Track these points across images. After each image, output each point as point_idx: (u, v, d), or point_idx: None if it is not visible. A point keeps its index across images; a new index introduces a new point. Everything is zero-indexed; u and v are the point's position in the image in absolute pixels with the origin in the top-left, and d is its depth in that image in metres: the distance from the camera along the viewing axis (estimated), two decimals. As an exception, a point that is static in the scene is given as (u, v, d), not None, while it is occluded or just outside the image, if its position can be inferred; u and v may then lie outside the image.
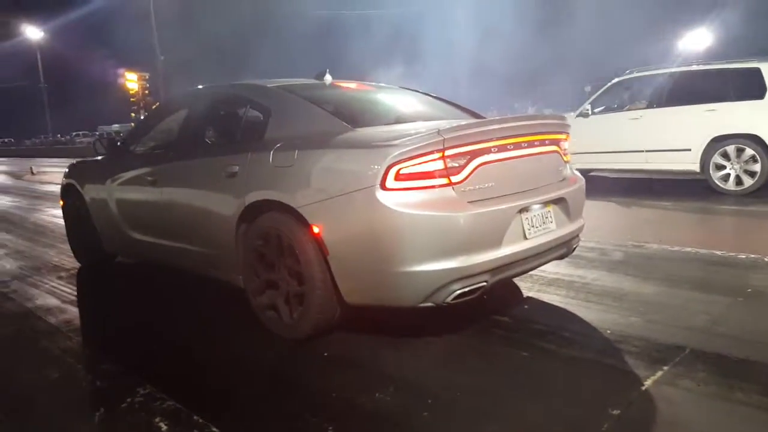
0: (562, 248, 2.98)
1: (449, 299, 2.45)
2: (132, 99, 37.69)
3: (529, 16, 26.04)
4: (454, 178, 2.44)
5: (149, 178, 3.64)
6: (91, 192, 4.39)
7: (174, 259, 3.69)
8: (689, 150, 6.92)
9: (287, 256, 2.71)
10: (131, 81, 36.55)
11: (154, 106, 4.79)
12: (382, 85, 3.87)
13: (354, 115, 3.08)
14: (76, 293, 3.96)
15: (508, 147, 2.64)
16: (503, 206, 2.54)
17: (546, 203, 2.79)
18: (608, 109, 7.99)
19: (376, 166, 2.38)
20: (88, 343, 3.05)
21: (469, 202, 2.45)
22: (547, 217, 2.79)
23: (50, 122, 53.45)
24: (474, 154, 2.50)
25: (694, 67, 7.33)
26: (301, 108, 2.98)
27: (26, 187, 13.24)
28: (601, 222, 5.15)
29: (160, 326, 3.24)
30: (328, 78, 3.49)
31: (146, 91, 37.15)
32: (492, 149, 2.56)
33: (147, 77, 36.95)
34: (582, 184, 3.12)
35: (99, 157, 4.42)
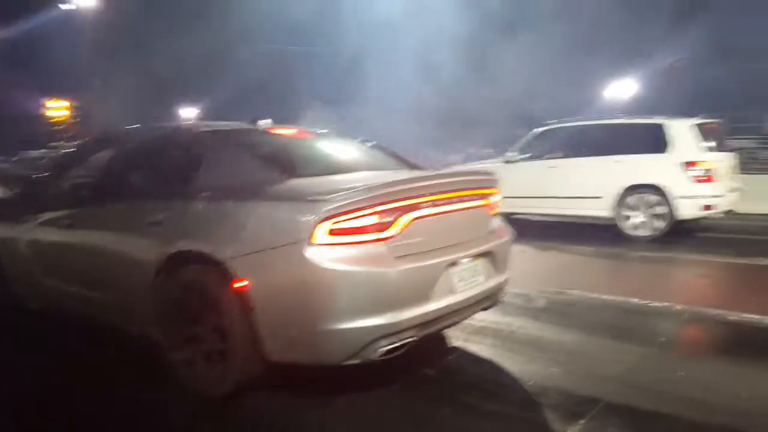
0: (489, 300, 3.06)
1: (376, 356, 2.44)
2: (57, 127, 35.77)
3: (469, 61, 27.29)
4: (385, 234, 2.47)
5: (66, 221, 3.43)
6: (1, 234, 4.07)
7: (88, 309, 3.46)
8: (601, 198, 7.42)
9: (210, 309, 2.61)
10: (55, 109, 34.69)
11: (77, 143, 4.57)
12: (321, 131, 3.88)
13: (286, 164, 3.06)
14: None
15: (439, 202, 2.70)
16: (433, 261, 2.59)
17: (474, 257, 2.86)
18: (531, 157, 8.41)
19: (306, 221, 2.36)
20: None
21: (398, 257, 2.48)
22: (475, 271, 2.87)
23: (-38, 146, 49.62)
24: (405, 210, 2.53)
25: (605, 121, 7.97)
26: (232, 155, 2.93)
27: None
28: (525, 267, 5.34)
29: (65, 389, 3.00)
30: (263, 123, 3.45)
31: (74, 120, 35.41)
32: (423, 204, 2.61)
33: (75, 105, 35.30)
34: (509, 237, 3.24)
35: (10, 195, 4.13)
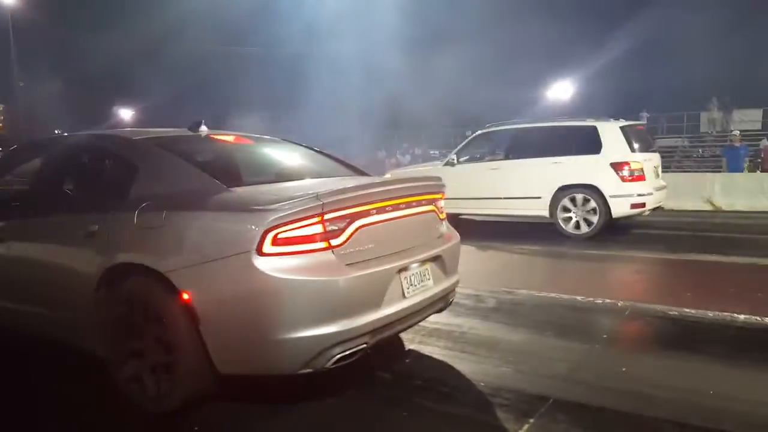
0: (440, 303, 3.08)
1: (329, 364, 2.41)
2: (-18, 133, 33.59)
3: (415, 61, 27.60)
4: (334, 242, 2.44)
5: (-6, 234, 3.21)
6: None
7: (23, 325, 3.27)
8: (540, 198, 7.75)
9: (153, 323, 2.51)
10: (-21, 114, 32.54)
11: (5, 150, 4.31)
12: (263, 137, 3.81)
13: (230, 172, 2.99)
14: None
15: (387, 209, 2.70)
16: (382, 267, 2.58)
17: (423, 261, 2.88)
18: (472, 159, 8.72)
19: (252, 231, 2.30)
20: None
21: (348, 264, 2.46)
22: (424, 275, 2.88)
23: None
24: (353, 217, 2.52)
25: (542, 124, 8.32)
26: (171, 164, 2.82)
27: None
28: (472, 267, 5.44)
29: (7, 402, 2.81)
30: (203, 129, 3.34)
31: (0, 125, 33.35)
32: (371, 212, 2.60)
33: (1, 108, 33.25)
34: (457, 241, 3.28)
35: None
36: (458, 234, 3.36)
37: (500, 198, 7.96)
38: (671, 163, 20.93)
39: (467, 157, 8.70)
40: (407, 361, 3.23)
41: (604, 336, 3.56)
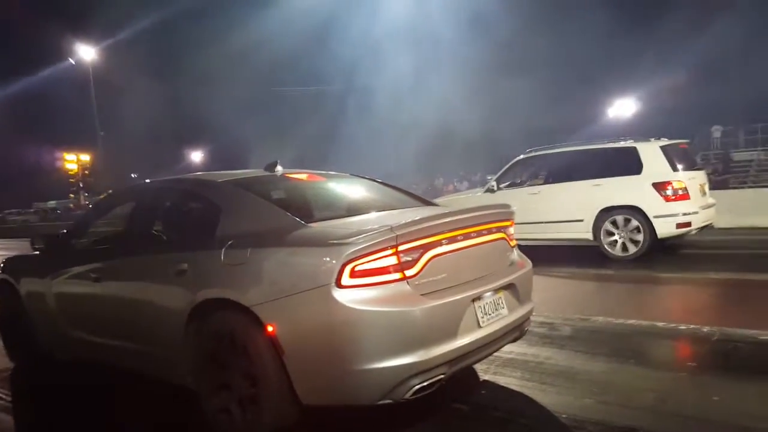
0: (515, 332, 3.04)
1: (408, 395, 2.44)
2: (71, 179, 36.64)
3: (472, 86, 27.73)
4: (408, 272, 2.49)
5: (93, 275, 3.50)
6: (27, 288, 4.15)
7: (119, 359, 3.50)
8: (582, 220, 7.66)
9: (240, 356, 2.63)
10: (70, 162, 35.65)
11: (101, 196, 4.69)
12: (333, 173, 3.97)
13: (306, 209, 3.13)
14: (11, 398, 3.68)
15: (458, 238, 2.74)
16: (457, 297, 2.60)
17: (497, 290, 2.87)
18: (512, 185, 8.76)
19: (330, 265, 2.40)
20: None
21: (423, 294, 2.50)
22: (499, 304, 2.87)
23: (-19, 201, 50.79)
24: (426, 248, 2.57)
25: (582, 147, 8.25)
26: (252, 204, 3.00)
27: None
28: (540, 294, 5.33)
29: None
30: (279, 169, 3.54)
31: (86, 171, 36.28)
32: (443, 241, 2.64)
33: (87, 159, 36.28)
34: (529, 268, 3.25)
35: (37, 252, 4.22)
36: (530, 261, 3.33)
37: (542, 222, 7.90)
38: (747, 178, 19.68)
39: (507, 183, 8.78)
40: (483, 392, 3.19)
41: (692, 364, 3.38)
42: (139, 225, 3.60)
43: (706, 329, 3.97)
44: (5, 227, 36.92)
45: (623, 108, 28.92)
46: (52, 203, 50.73)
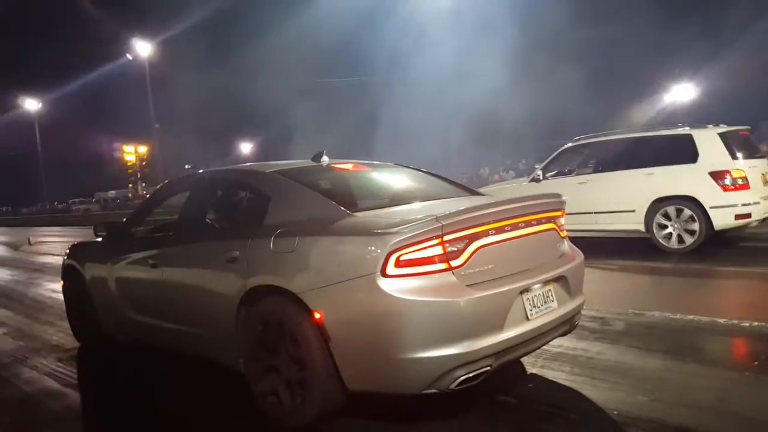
0: (565, 326, 2.97)
1: (453, 385, 2.43)
2: (129, 170, 38.44)
3: (522, 72, 27.09)
4: (454, 263, 2.47)
5: (150, 261, 3.66)
6: (91, 273, 4.39)
7: (173, 342, 3.65)
8: (633, 211, 7.30)
9: (288, 341, 2.69)
10: (129, 153, 37.37)
11: (157, 186, 4.89)
12: (376, 163, 3.98)
13: (351, 198, 3.16)
14: (77, 376, 3.90)
15: (506, 228, 2.69)
16: (504, 288, 2.56)
17: (546, 282, 2.81)
18: (559, 174, 8.43)
19: (376, 254, 2.41)
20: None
21: (469, 285, 2.47)
22: (548, 296, 2.80)
23: (46, 190, 54.14)
24: (472, 238, 2.54)
25: (634, 134, 7.86)
26: (299, 194, 3.04)
27: (24, 259, 13.18)
28: (592, 287, 5.17)
29: (161, 412, 3.16)
30: (325, 159, 3.58)
31: (143, 162, 37.94)
32: (490, 231, 2.61)
33: (144, 150, 37.96)
34: (581, 260, 3.15)
35: (99, 239, 4.44)
36: (582, 253, 3.23)
37: (591, 213, 7.60)
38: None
39: (554, 172, 8.48)
40: (530, 385, 3.13)
41: (756, 363, 3.20)
42: (193, 214, 3.73)
43: (771, 327, 3.75)
44: (70, 216, 39.17)
45: (681, 93, 27.55)
46: (112, 193, 53.37)
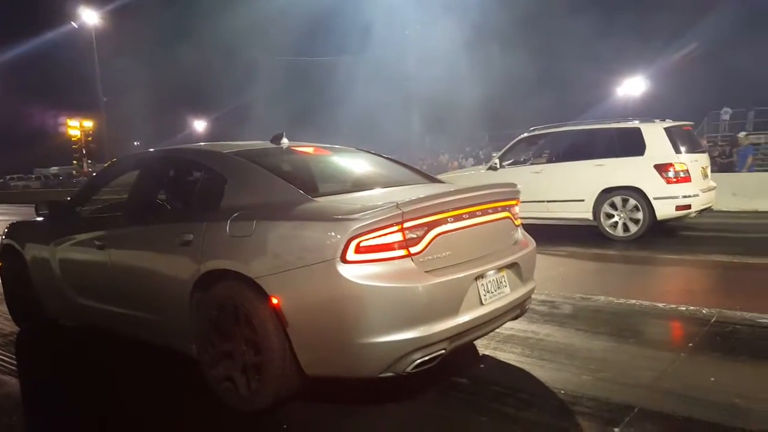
0: (516, 310, 3.07)
1: (409, 368, 2.48)
2: (74, 146, 36.58)
3: (478, 62, 27.38)
4: (413, 249, 2.51)
5: (97, 242, 3.52)
6: (32, 254, 4.19)
7: (123, 326, 3.55)
8: (583, 200, 7.69)
9: (244, 325, 2.67)
10: (73, 128, 35.51)
11: (106, 164, 4.68)
12: (337, 147, 3.94)
13: (311, 182, 3.13)
14: (16, 363, 3.74)
15: (464, 216, 2.74)
16: (460, 275, 2.61)
17: (500, 268, 2.89)
18: (515, 163, 8.80)
19: (336, 240, 2.41)
20: (30, 421, 2.85)
21: (427, 272, 2.51)
22: (501, 282, 2.89)
23: (-19, 165, 50.94)
24: (431, 225, 2.57)
25: (585, 126, 8.22)
26: (258, 176, 2.99)
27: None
28: (543, 273, 5.36)
29: (106, 400, 3.08)
30: (284, 142, 3.52)
31: (89, 137, 36.18)
32: (448, 219, 2.65)
33: (90, 125, 36.15)
34: (533, 248, 3.25)
35: (41, 218, 4.23)
36: (534, 240, 3.34)
37: (543, 201, 7.92)
38: (755, 160, 19.48)
39: (511, 161, 8.80)
40: (482, 366, 3.23)
41: (690, 344, 3.41)
42: (144, 194, 3.60)
43: (705, 311, 4.00)
44: (6, 192, 37.02)
45: (632, 87, 28.53)
46: (54, 169, 50.69)
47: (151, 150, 3.99)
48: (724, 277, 5.52)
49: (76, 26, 33.59)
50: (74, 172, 42.05)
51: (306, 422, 2.65)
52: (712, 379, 2.90)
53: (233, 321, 2.71)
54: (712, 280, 5.44)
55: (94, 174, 5.54)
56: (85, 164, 37.24)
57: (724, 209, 9.26)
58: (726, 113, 22.08)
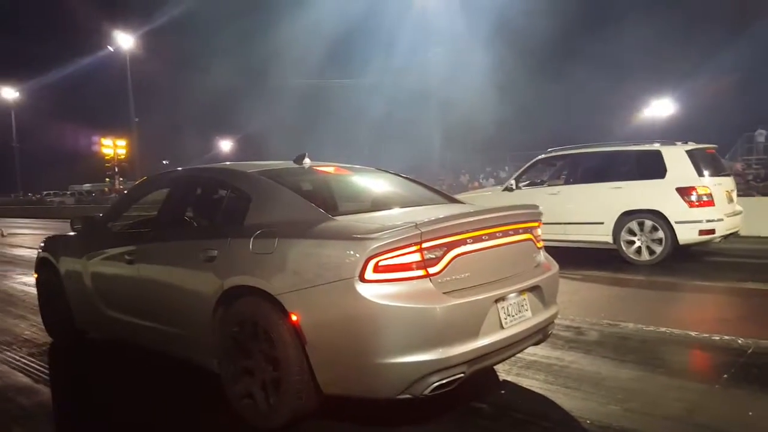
0: (538, 335, 3.00)
1: (427, 391, 2.43)
2: (107, 164, 37.86)
3: (502, 82, 27.44)
4: (432, 270, 2.48)
5: (127, 257, 3.59)
6: (66, 267, 4.30)
7: (148, 340, 3.60)
8: (602, 223, 7.50)
9: (263, 342, 2.67)
10: (107, 146, 36.79)
11: (136, 182, 4.81)
12: (358, 167, 3.97)
13: (333, 202, 3.16)
14: (49, 372, 3.82)
15: (484, 237, 2.71)
16: (480, 296, 2.57)
17: (521, 291, 2.83)
18: (531, 184, 8.62)
19: (354, 258, 2.40)
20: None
21: (445, 293, 2.48)
22: (522, 306, 2.83)
23: (20, 181, 52.97)
24: (450, 246, 2.55)
25: (604, 148, 8.05)
26: (281, 195, 3.02)
27: (-6, 251, 12.82)
28: (567, 297, 5.24)
29: (133, 412, 3.10)
30: (307, 161, 3.56)
31: (121, 157, 37.43)
32: (468, 240, 2.62)
33: (122, 144, 37.45)
34: (555, 270, 3.19)
35: (75, 233, 4.35)
36: (557, 263, 3.27)
37: (560, 223, 7.74)
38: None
39: (527, 182, 8.65)
40: (503, 392, 3.15)
41: (725, 376, 3.26)
42: (172, 211, 3.68)
43: (741, 341, 3.83)
44: (43, 207, 38.30)
45: (659, 109, 28.12)
46: (87, 186, 52.26)
47: (180, 169, 4.08)
48: (759, 305, 5.30)
49: (111, 50, 34.95)
50: (106, 188, 43.36)
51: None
52: (750, 413, 2.76)
53: (254, 337, 2.72)
54: (747, 309, 5.22)
55: (126, 191, 5.69)
56: (116, 181, 38.39)
57: (755, 234, 8.92)
58: (761, 135, 21.48)
